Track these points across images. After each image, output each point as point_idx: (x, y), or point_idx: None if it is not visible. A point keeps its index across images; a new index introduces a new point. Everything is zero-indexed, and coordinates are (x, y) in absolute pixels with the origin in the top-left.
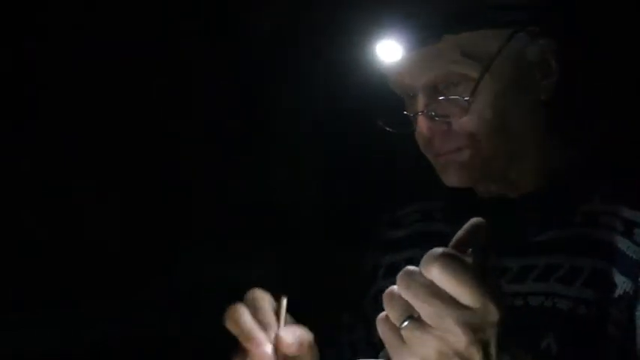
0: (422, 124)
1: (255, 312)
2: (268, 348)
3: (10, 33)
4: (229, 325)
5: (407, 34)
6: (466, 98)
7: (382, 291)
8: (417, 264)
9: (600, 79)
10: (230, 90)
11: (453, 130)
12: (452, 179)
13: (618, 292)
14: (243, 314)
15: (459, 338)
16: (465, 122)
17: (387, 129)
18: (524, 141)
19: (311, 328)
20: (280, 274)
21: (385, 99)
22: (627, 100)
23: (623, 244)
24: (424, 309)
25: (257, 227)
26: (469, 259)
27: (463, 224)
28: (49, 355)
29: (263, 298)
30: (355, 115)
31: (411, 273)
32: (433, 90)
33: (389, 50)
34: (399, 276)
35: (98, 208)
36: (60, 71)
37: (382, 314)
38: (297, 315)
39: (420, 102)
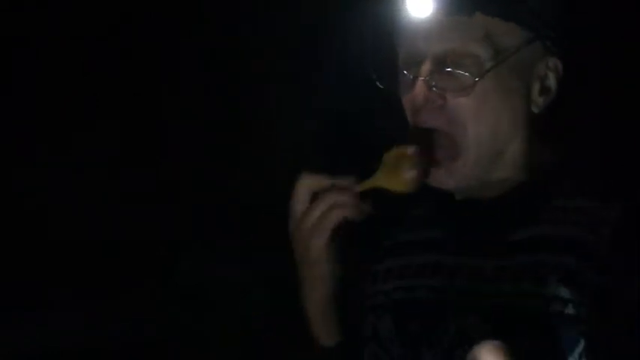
0: (419, 90)
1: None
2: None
3: None
4: (301, 191)
5: None
6: (476, 79)
7: (378, 293)
8: (401, 271)
9: (591, 99)
10: (230, 90)
11: (447, 107)
12: (438, 181)
13: (589, 288)
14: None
15: None
16: (462, 102)
17: (378, 84)
18: (509, 147)
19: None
20: (279, 275)
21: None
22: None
23: (592, 240)
24: None
25: (256, 227)
26: None
27: (443, 229)
28: (49, 355)
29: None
30: (353, 119)
31: None
32: (442, 62)
33: (418, 7)
34: None
35: (98, 210)
36: (57, 70)
37: None
38: (295, 314)
39: (425, 69)
